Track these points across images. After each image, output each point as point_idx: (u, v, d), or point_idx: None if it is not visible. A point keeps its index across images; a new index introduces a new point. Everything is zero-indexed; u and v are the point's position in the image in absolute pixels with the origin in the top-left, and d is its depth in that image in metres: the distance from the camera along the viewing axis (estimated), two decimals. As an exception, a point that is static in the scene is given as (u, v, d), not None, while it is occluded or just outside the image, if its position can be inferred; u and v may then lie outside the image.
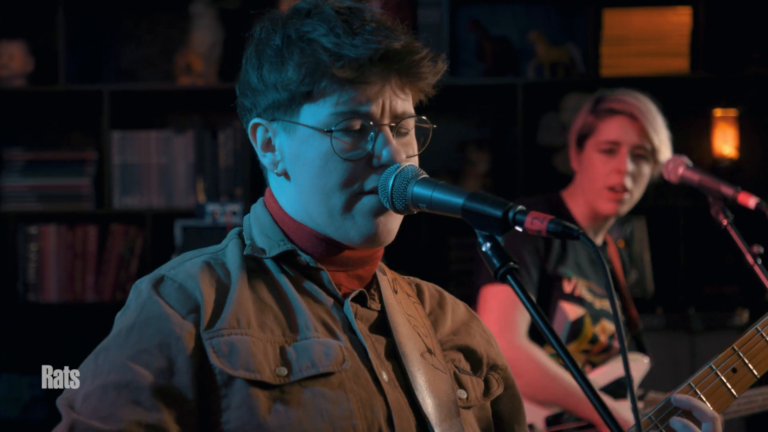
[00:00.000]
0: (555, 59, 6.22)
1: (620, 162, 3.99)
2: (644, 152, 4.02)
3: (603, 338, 4.03)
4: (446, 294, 2.38)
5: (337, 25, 2.03)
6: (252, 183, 6.14)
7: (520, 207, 1.86)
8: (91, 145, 6.31)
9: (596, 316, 4.01)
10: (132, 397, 1.91)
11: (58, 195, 6.23)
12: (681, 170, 3.73)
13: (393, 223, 2.10)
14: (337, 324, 2.09)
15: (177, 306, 2.00)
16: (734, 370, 2.20)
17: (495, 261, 1.85)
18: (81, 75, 6.41)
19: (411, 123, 2.11)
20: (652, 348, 4.88)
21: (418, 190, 2.00)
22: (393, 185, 2.01)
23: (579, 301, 4.04)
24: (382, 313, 2.16)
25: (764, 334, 2.22)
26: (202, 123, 6.38)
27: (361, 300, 2.16)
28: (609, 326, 4.01)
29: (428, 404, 2.08)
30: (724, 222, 3.60)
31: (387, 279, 2.24)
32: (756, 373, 2.22)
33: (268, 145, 2.13)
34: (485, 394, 2.24)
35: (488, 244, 1.87)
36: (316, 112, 2.04)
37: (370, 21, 2.05)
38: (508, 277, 1.84)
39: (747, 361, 2.20)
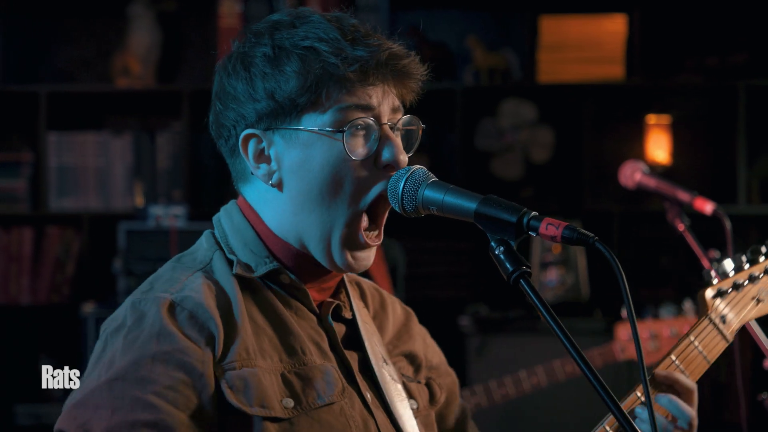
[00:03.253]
0: (492, 65, 6.28)
1: None
2: None
3: None
4: (383, 292, 2.37)
5: (331, 30, 2.02)
6: (190, 186, 6.11)
7: (534, 213, 1.89)
8: (27, 146, 6.24)
9: None
10: None
11: (-8, 196, 6.16)
12: (638, 176, 3.79)
13: (373, 253, 2.11)
14: (324, 342, 2.09)
15: (195, 338, 1.95)
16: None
17: (508, 265, 1.86)
18: (17, 76, 6.35)
19: (400, 125, 2.12)
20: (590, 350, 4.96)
21: (429, 194, 2.00)
22: (404, 188, 2.02)
23: None
24: (353, 324, 2.17)
25: (696, 344, 2.31)
26: (140, 125, 6.33)
27: (335, 313, 2.15)
28: None
29: (402, 418, 2.11)
30: (681, 227, 3.66)
31: (353, 284, 2.24)
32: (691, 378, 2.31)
33: (261, 156, 2.07)
34: (431, 401, 2.26)
35: (501, 248, 1.88)
36: (319, 117, 2.02)
37: (358, 27, 2.05)
38: (521, 281, 1.86)
39: (683, 369, 2.28)
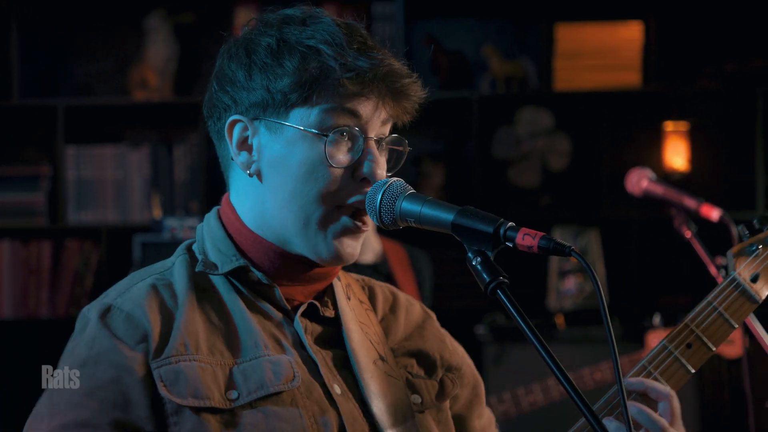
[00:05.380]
0: (509, 73, 6.26)
1: None
2: None
3: None
4: (400, 296, 2.38)
5: (338, 36, 2.04)
6: (208, 197, 6.12)
7: (511, 223, 1.88)
8: (46, 160, 6.27)
9: None
10: None
11: (11, 210, 6.19)
12: (645, 183, 3.79)
13: (359, 244, 2.12)
14: (288, 340, 2.10)
15: (125, 338, 2.01)
16: (689, 346, 2.18)
17: (485, 275, 1.87)
18: (35, 89, 6.38)
19: (388, 141, 2.14)
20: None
21: (407, 206, 2.00)
22: (381, 200, 2.02)
23: None
24: (336, 322, 2.17)
25: (717, 306, 2.20)
26: (158, 137, 6.35)
27: (312, 312, 2.16)
28: None
29: (382, 411, 2.10)
30: (688, 234, 3.65)
31: (341, 285, 2.24)
32: (712, 346, 2.20)
33: (244, 144, 2.11)
34: (438, 396, 2.24)
35: (478, 259, 1.88)
36: (306, 116, 2.04)
37: (366, 38, 2.08)
38: (498, 291, 1.86)
39: (701, 335, 2.19)
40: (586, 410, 1.77)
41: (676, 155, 6.14)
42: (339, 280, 2.25)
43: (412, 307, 2.37)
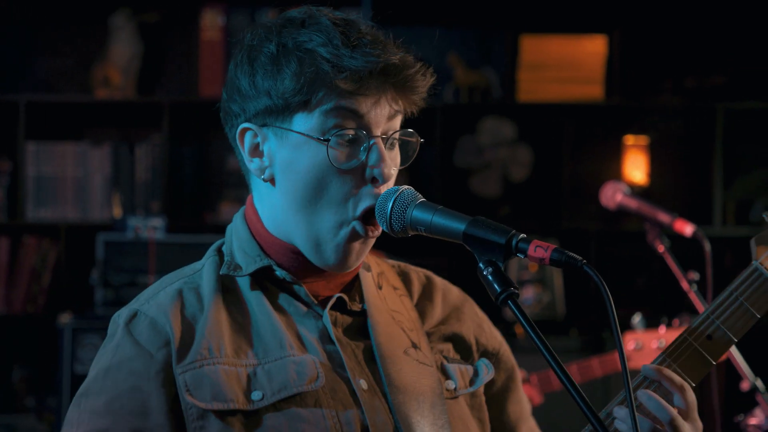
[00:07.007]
0: (473, 83, 6.30)
1: None
2: None
3: None
4: (436, 279, 2.37)
5: (335, 36, 2.01)
6: (169, 197, 6.10)
7: (522, 235, 1.89)
8: (6, 155, 6.21)
9: None
10: None
11: (-31, 205, 6.14)
12: (619, 197, 3.81)
13: (367, 250, 2.13)
14: (314, 336, 2.09)
15: (147, 344, 2.02)
16: (709, 337, 2.11)
17: (496, 286, 1.87)
18: (-4, 85, 6.33)
19: (397, 136, 2.11)
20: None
21: (418, 214, 2.00)
22: (392, 208, 2.02)
23: None
24: (364, 315, 2.17)
25: (739, 297, 2.10)
26: (119, 136, 6.33)
27: (340, 305, 2.16)
28: None
29: (403, 403, 2.08)
30: (661, 248, 3.68)
31: (371, 275, 2.23)
32: (733, 337, 2.11)
33: (256, 151, 2.10)
34: (473, 381, 2.24)
35: (489, 269, 1.88)
36: (308, 119, 2.03)
37: (366, 34, 2.04)
38: (509, 302, 1.86)
39: (722, 326, 2.11)
40: (592, 417, 1.80)
41: (636, 169, 6.21)
42: (369, 270, 2.24)
43: (449, 290, 2.36)
